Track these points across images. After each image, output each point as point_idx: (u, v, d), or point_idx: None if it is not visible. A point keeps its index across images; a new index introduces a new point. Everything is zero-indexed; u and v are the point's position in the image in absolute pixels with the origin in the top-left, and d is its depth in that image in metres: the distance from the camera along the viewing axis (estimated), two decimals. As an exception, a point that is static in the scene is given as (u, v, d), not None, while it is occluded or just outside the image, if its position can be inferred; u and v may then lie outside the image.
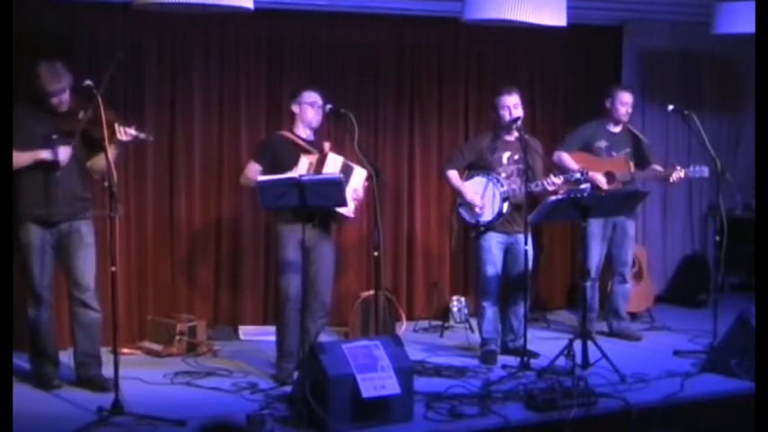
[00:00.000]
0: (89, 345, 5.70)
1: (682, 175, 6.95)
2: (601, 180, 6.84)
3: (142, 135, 5.60)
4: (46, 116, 5.50)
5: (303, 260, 5.85)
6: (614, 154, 7.00)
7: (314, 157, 6.01)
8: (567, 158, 6.88)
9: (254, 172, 6.00)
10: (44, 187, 5.49)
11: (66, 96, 5.54)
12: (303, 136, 6.14)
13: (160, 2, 5.35)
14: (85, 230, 5.63)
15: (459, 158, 6.58)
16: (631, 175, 6.98)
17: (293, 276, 5.91)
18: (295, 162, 5.95)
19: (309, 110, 6.09)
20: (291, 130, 6.18)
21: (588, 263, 6.92)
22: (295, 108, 6.13)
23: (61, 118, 5.50)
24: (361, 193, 6.08)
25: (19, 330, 5.85)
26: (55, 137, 5.47)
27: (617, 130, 7.07)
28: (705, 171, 6.97)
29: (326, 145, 6.25)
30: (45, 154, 5.45)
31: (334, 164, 5.98)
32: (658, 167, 7.08)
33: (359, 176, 6.05)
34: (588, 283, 6.95)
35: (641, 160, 7.09)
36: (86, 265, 5.63)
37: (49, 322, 5.73)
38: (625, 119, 7.05)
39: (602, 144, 7.00)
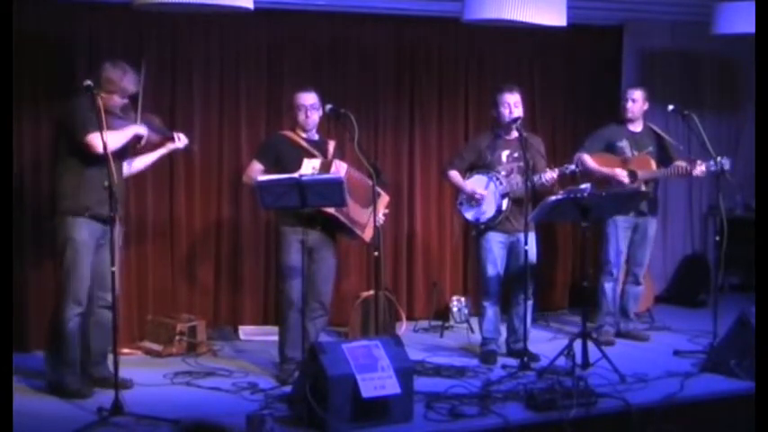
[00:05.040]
0: (105, 344, 5.66)
1: (704, 168, 6.81)
2: (623, 177, 6.82)
3: (190, 145, 5.89)
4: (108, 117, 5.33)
5: (304, 261, 5.86)
6: (636, 153, 6.97)
7: (318, 162, 6.00)
8: (588, 159, 6.84)
9: (257, 171, 6.00)
10: (104, 185, 5.19)
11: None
12: (305, 136, 6.14)
13: (160, 2, 5.35)
14: (120, 232, 5.52)
15: (460, 160, 6.58)
16: (655, 174, 6.93)
17: (296, 281, 5.90)
18: (298, 164, 5.93)
19: (301, 113, 6.09)
20: (294, 131, 6.18)
21: (611, 263, 6.91)
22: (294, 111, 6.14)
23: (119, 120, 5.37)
24: (382, 220, 6.05)
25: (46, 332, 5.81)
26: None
27: (638, 129, 7.03)
28: (726, 163, 6.76)
29: (331, 144, 6.25)
30: (136, 128, 5.55)
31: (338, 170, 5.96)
32: (681, 163, 6.97)
33: (383, 203, 6.02)
34: (609, 284, 6.95)
35: (666, 158, 7.04)
36: (119, 268, 5.47)
37: (80, 329, 5.58)
38: (630, 114, 6.97)
39: (624, 143, 6.96)
